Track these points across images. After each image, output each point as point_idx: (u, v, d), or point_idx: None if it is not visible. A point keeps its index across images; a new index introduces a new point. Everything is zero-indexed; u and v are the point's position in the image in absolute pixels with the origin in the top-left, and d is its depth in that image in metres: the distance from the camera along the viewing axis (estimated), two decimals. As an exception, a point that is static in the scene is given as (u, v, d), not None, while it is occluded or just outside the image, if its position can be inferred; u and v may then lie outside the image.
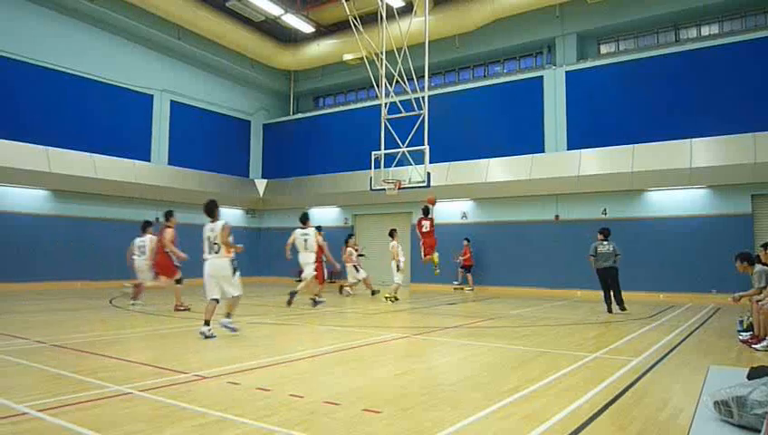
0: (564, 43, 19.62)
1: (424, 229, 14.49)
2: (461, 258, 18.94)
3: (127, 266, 12.69)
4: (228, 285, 8.22)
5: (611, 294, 12.01)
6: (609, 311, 11.94)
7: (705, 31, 18.22)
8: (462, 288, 18.95)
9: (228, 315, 8.44)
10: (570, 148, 18.05)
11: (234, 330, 8.36)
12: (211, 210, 8.36)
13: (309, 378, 5.57)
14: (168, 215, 12.25)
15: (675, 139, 16.01)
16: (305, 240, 13.07)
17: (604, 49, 19.89)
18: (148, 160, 20.96)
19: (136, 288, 12.41)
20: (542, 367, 6.14)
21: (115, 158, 19.35)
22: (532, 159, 18.35)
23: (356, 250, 17.15)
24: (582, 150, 17.52)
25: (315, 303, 13.16)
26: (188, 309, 11.64)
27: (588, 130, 17.76)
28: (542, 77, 18.96)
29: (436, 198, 14.87)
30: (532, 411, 4.34)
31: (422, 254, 14.65)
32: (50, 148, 17.48)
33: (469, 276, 18.84)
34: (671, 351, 7.32)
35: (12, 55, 17.18)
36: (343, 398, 4.66)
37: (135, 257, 12.40)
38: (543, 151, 18.54)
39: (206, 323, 8.06)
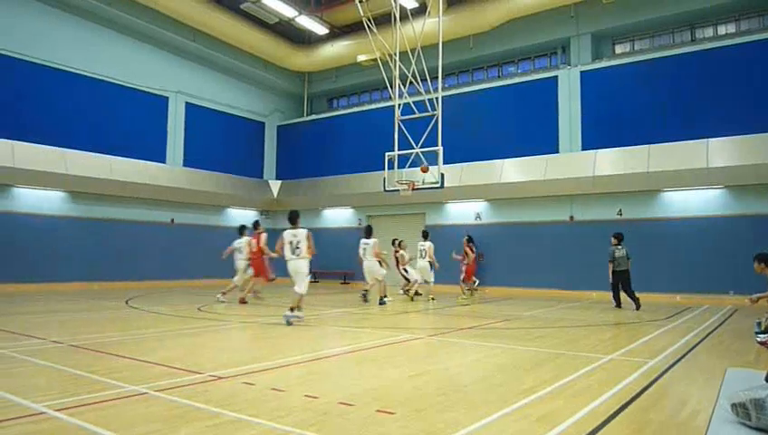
0: (579, 43, 19.50)
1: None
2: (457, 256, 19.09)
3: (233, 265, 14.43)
4: (300, 283, 9.54)
5: (620, 292, 13.09)
6: (618, 306, 13.12)
7: (721, 30, 18.00)
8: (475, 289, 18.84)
9: (292, 309, 9.58)
10: (584, 148, 17.93)
11: (290, 323, 9.47)
12: (294, 219, 9.89)
13: (323, 379, 5.59)
14: (257, 224, 14.58)
15: (691, 139, 15.83)
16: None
17: (619, 49, 19.73)
18: (164, 162, 21.16)
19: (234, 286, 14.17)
20: (557, 369, 6.11)
21: (131, 159, 19.55)
22: (546, 159, 18.25)
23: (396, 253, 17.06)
24: (597, 151, 17.38)
25: (381, 301, 14.11)
26: (246, 303, 13.50)
27: (603, 130, 17.63)
28: (556, 77, 18.86)
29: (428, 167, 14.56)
30: (547, 413, 4.32)
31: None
32: (67, 150, 17.70)
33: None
34: (688, 352, 7.25)
35: (28, 58, 17.41)
36: (357, 399, 4.67)
37: (236, 257, 14.27)
38: (558, 152, 18.44)
39: (291, 309, 9.58)
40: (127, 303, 13.40)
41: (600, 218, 17.15)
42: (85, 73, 18.86)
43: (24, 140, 16.76)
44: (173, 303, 13.54)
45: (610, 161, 17.04)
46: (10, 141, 16.37)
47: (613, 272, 12.96)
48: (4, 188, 16.69)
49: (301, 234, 9.79)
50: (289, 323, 9.55)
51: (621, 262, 12.86)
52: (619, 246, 12.99)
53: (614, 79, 17.78)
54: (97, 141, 18.71)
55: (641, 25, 18.81)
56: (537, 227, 18.60)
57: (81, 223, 18.27)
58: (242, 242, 14.16)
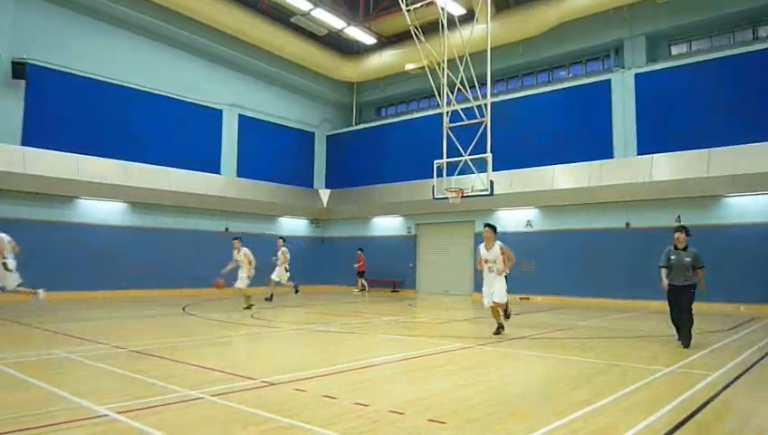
0: (633, 45, 18.98)
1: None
2: (355, 265, 22.38)
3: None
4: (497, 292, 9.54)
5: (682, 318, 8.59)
6: (686, 344, 8.36)
7: (786, 27, 17.20)
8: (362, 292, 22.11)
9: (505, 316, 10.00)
10: (640, 153, 17.41)
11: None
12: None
13: (374, 386, 5.61)
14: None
15: (755, 141, 15.14)
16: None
17: (675, 50, 19.09)
18: (219, 173, 21.78)
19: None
20: (612, 380, 5.94)
21: (188, 171, 20.23)
22: (599, 164, 17.82)
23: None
24: (654, 155, 16.85)
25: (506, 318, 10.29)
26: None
27: (659, 134, 17.08)
28: (609, 80, 18.41)
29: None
30: (601, 427, 4.20)
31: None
32: (127, 162, 18.47)
33: (361, 281, 22.39)
34: (752, 366, 6.91)
35: (91, 75, 18.26)
36: (408, 407, 4.67)
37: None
38: (612, 157, 17.96)
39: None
40: (184, 309, 13.82)
41: (657, 225, 16.58)
42: (144, 89, 19.64)
43: (88, 154, 17.57)
44: (227, 310, 13.88)
45: (668, 166, 16.49)
46: (75, 155, 17.20)
47: (670, 285, 8.69)
48: (69, 200, 17.54)
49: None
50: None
51: (680, 271, 8.55)
52: (681, 250, 8.70)
53: (671, 81, 17.22)
54: (155, 154, 19.43)
55: (699, 25, 18.15)
56: (591, 234, 18.14)
57: (141, 233, 18.97)
58: (278, 253, 16.20)
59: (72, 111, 17.72)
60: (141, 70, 19.59)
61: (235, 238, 14.62)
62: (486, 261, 9.57)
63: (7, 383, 5.46)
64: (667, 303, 8.88)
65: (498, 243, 9.55)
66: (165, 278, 19.15)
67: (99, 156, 17.79)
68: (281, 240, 16.44)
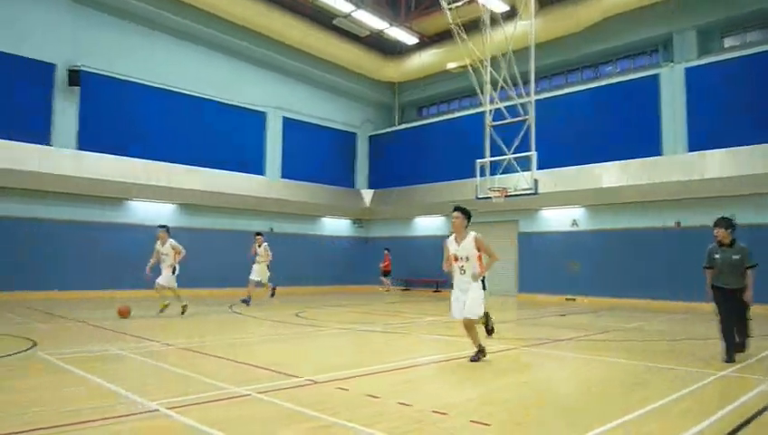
0: (683, 39, 18.37)
1: None
2: (381, 265, 22.50)
3: None
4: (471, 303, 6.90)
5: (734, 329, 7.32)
6: (730, 359, 7.06)
7: None
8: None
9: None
10: (691, 149, 16.81)
11: None
12: None
13: (417, 386, 5.61)
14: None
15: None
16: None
17: (728, 42, 18.37)
18: (263, 174, 22.16)
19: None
20: (662, 385, 5.77)
21: (233, 172, 20.64)
22: (648, 162, 17.28)
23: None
24: (706, 152, 16.24)
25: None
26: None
27: (712, 129, 16.44)
28: (658, 75, 17.84)
29: None
30: (650, 432, 4.09)
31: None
32: (174, 165, 18.95)
33: (387, 280, 22.49)
34: (815, 371, 6.59)
35: (140, 81, 18.84)
36: (452, 408, 4.65)
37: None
38: (661, 154, 17.40)
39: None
40: (230, 308, 14.12)
41: (710, 224, 15.94)
42: (190, 93, 20.15)
43: (137, 157, 18.12)
44: (272, 308, 14.12)
45: (721, 163, 15.87)
46: (125, 158, 17.77)
47: (714, 289, 7.45)
48: (120, 202, 18.17)
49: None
50: None
51: (728, 271, 7.38)
52: (727, 247, 7.57)
53: (724, 75, 16.53)
54: (202, 157, 19.89)
55: (753, 15, 17.41)
56: (639, 233, 17.66)
57: (189, 233, 19.42)
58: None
59: (122, 116, 18.32)
60: (187, 75, 20.10)
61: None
62: (457, 259, 7.00)
63: (67, 378, 5.71)
64: (714, 309, 7.46)
65: (472, 234, 7.01)
66: (212, 278, 19.58)
67: (147, 158, 18.32)
68: (260, 236, 15.22)
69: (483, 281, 6.97)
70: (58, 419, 4.16)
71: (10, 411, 4.40)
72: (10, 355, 6.86)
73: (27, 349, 7.28)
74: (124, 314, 11.44)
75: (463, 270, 6.94)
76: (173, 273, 12.31)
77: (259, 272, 14.79)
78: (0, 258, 15.58)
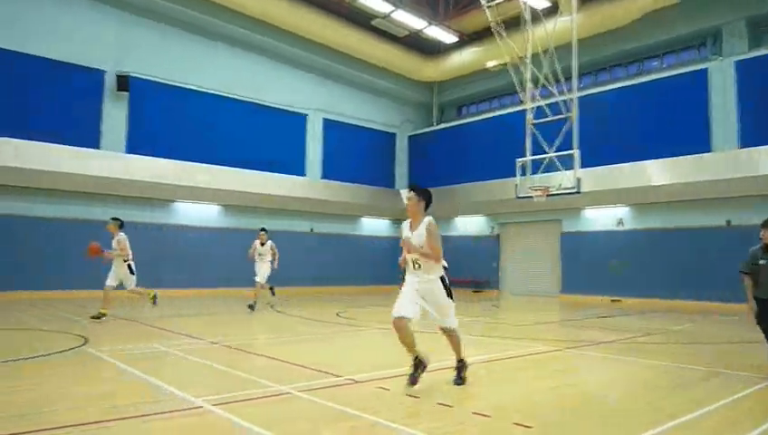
0: (732, 31, 17.69)
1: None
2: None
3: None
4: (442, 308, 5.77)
5: None
6: None
7: None
8: None
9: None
10: (743, 145, 16.16)
11: None
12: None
13: (457, 388, 5.57)
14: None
15: None
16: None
17: (783, 33, 17.62)
18: (303, 175, 22.41)
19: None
20: (708, 390, 5.57)
21: (274, 174, 20.91)
22: (697, 159, 16.70)
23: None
24: (760, 147, 15.57)
25: None
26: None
27: (764, 124, 15.78)
28: (706, 69, 17.22)
29: None
30: (702, 437, 3.96)
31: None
32: (217, 166, 19.29)
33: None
34: None
35: (188, 86, 19.33)
36: (493, 410, 4.60)
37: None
38: (710, 150, 16.78)
39: None
40: (272, 307, 14.32)
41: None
42: (234, 96, 20.52)
43: (183, 159, 18.54)
44: (313, 308, 14.26)
45: (775, 159, 15.20)
46: (172, 161, 18.22)
47: (756, 300, 6.47)
48: (167, 204, 18.68)
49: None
50: None
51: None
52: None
53: (778, 67, 15.88)
54: (245, 158, 20.22)
55: (811, 4, 16.66)
56: (687, 232, 17.10)
57: (233, 233, 19.84)
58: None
59: (168, 120, 18.80)
60: (230, 78, 20.46)
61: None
62: (409, 248, 5.47)
63: (118, 375, 5.90)
64: (755, 323, 6.47)
65: (428, 219, 5.56)
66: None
67: (193, 161, 18.72)
68: (263, 232, 14.02)
69: (449, 289, 5.62)
70: (104, 414, 4.29)
71: (59, 405, 4.57)
72: (62, 351, 7.13)
73: (79, 346, 7.55)
74: (94, 252, 11.11)
75: (417, 264, 5.49)
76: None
77: (263, 273, 13.76)
78: (56, 259, 16.20)
